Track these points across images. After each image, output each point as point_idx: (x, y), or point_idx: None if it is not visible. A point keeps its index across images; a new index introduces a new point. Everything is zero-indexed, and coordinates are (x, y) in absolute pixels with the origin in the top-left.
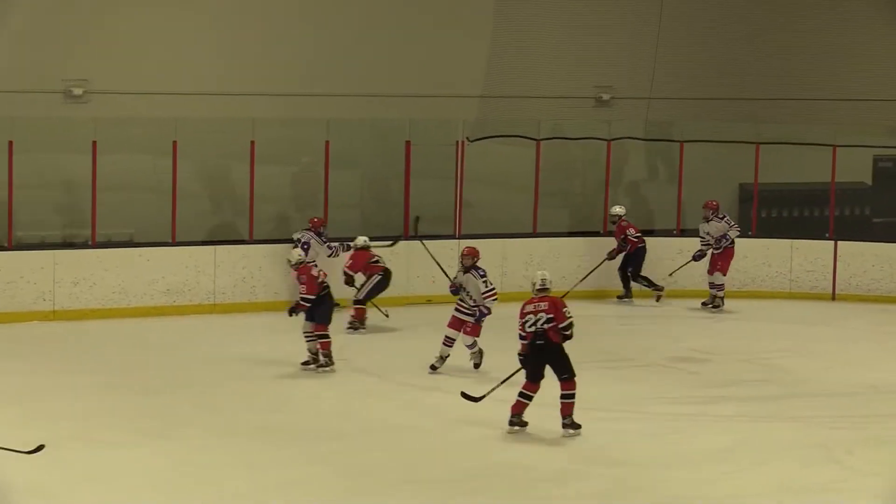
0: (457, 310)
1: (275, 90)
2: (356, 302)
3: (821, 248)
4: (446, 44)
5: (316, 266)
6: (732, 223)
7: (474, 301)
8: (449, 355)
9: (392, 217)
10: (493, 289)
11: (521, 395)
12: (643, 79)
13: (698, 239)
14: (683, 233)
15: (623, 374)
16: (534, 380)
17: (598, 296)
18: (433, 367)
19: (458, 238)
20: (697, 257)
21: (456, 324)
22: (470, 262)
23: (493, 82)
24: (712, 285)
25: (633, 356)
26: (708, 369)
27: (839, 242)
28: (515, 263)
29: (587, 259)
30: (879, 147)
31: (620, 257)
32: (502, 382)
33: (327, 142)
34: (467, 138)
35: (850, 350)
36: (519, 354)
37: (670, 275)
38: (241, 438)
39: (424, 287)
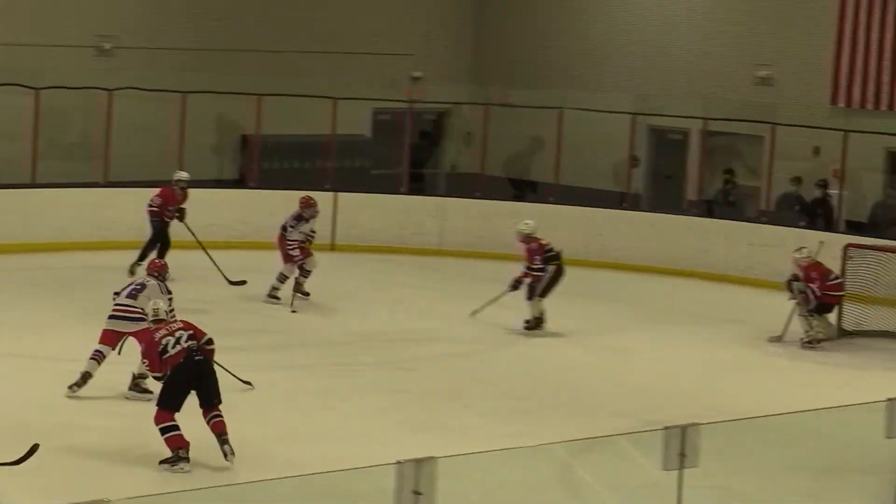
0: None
1: None
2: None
3: (321, 200)
4: None
5: None
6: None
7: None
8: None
9: None
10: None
11: (169, 428)
12: (146, 28)
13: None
14: (111, 184)
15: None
16: (177, 407)
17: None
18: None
19: None
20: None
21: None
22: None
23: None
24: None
25: None
26: (209, 319)
27: (339, 194)
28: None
29: (88, 210)
30: (378, 100)
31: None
32: None
33: None
34: None
35: (347, 300)
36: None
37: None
38: None
39: None
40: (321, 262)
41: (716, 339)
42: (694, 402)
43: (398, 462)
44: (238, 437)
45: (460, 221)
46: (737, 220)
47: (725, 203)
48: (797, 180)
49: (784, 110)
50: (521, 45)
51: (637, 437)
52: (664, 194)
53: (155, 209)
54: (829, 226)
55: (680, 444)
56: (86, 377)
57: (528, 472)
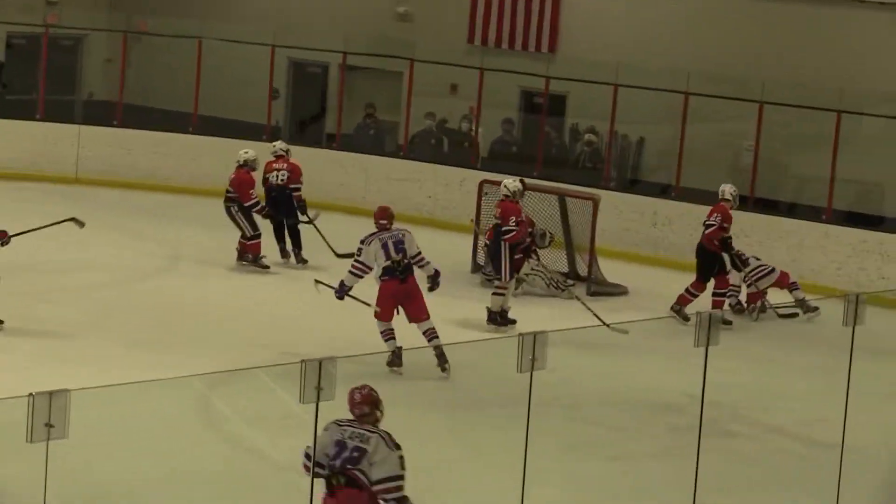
0: None
1: None
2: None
3: None
4: None
5: None
6: None
7: None
8: None
9: None
10: None
11: None
12: None
13: None
14: None
15: None
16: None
17: None
18: None
19: None
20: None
21: None
22: None
23: None
24: None
25: None
26: None
27: None
28: None
29: None
30: (12, 24)
31: None
32: None
33: None
34: None
35: None
36: None
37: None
38: None
39: None
40: None
41: None
42: (334, 335)
43: (30, 394)
44: None
45: (98, 149)
46: (376, 155)
47: (365, 137)
48: (431, 115)
49: (422, 47)
50: None
51: (276, 369)
52: (304, 127)
53: (232, 195)
54: (470, 160)
55: (317, 377)
56: None
57: (166, 404)
